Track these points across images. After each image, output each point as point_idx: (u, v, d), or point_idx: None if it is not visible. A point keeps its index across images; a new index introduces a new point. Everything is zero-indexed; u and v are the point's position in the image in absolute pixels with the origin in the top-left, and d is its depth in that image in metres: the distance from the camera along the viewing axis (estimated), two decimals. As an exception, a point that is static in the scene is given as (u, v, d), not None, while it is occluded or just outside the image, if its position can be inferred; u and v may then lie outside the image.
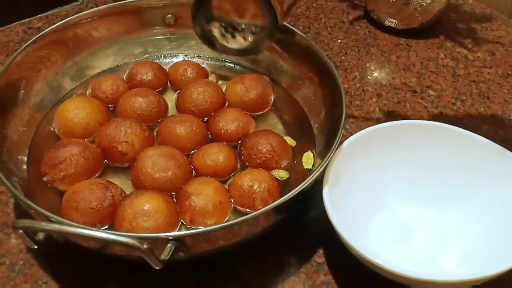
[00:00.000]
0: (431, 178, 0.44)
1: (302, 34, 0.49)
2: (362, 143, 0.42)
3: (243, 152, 0.45)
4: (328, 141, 0.43)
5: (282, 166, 0.45)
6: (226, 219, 0.41)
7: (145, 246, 0.30)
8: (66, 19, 0.49)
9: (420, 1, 0.60)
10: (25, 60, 0.46)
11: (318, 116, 0.48)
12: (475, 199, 0.42)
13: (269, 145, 0.44)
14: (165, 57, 0.55)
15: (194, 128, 0.45)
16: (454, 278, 0.34)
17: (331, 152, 0.39)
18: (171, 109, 0.50)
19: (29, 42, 0.46)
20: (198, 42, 0.55)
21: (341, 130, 0.40)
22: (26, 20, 0.63)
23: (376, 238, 0.41)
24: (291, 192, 0.36)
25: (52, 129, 0.46)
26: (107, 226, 0.39)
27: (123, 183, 0.43)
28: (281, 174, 0.44)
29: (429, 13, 0.62)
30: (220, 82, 0.53)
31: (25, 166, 0.43)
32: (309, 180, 0.37)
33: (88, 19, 0.50)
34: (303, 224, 0.44)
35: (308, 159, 0.45)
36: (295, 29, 0.49)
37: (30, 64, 0.47)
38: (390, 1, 0.61)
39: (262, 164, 0.44)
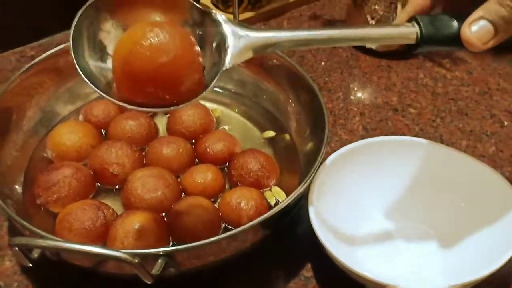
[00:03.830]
0: (413, 192, 0.45)
1: (287, 58, 0.51)
2: (345, 159, 0.44)
3: (233, 173, 0.46)
4: (312, 157, 0.44)
5: (272, 183, 0.46)
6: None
7: (136, 260, 0.31)
8: (58, 47, 0.50)
9: (399, 24, 0.63)
10: (18, 87, 0.48)
11: (303, 135, 0.50)
12: (454, 212, 0.44)
13: (258, 163, 0.46)
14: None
15: (181, 150, 0.47)
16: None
17: (315, 168, 0.41)
18: (162, 132, 0.52)
19: (22, 70, 0.48)
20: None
21: (324, 147, 0.42)
22: (19, 48, 0.65)
23: (362, 251, 0.43)
24: (275, 208, 0.38)
25: (45, 154, 0.48)
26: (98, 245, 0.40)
27: (114, 204, 0.44)
28: (281, 195, 0.46)
29: (407, 35, 0.64)
30: (208, 105, 0.54)
31: (19, 190, 0.44)
32: (293, 196, 0.39)
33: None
34: (291, 239, 0.45)
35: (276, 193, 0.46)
36: (279, 53, 0.52)
37: (24, 91, 0.48)
38: (370, 24, 0.64)
39: (254, 183, 0.45)
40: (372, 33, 0.33)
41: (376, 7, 0.63)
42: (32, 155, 0.48)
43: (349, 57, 0.67)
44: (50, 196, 0.42)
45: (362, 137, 0.55)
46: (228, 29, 0.30)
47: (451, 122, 0.58)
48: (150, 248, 0.38)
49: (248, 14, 0.70)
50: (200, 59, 0.30)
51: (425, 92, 0.62)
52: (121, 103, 0.30)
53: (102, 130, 0.50)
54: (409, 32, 0.33)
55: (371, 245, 0.44)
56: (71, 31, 0.29)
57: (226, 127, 0.53)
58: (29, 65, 0.48)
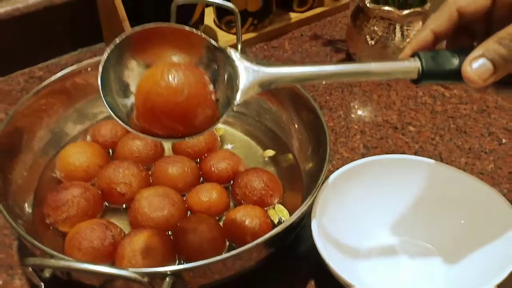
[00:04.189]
0: (414, 209, 0.46)
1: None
2: (347, 177, 0.45)
3: (237, 191, 0.47)
4: (315, 176, 0.45)
5: (275, 201, 0.47)
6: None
7: (145, 279, 0.32)
8: (66, 70, 0.52)
9: (398, 44, 0.65)
10: (28, 109, 0.49)
11: (305, 153, 0.51)
12: (454, 229, 0.45)
13: (262, 181, 0.47)
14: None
15: (186, 169, 0.48)
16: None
17: (318, 186, 0.42)
18: (168, 151, 0.53)
19: (32, 92, 0.49)
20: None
21: (325, 166, 0.43)
22: (27, 69, 0.66)
23: (365, 268, 0.43)
24: (279, 227, 0.38)
25: (54, 174, 0.49)
26: (108, 264, 0.41)
27: (122, 223, 0.45)
28: (284, 213, 0.47)
29: (406, 55, 0.66)
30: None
31: (29, 210, 0.46)
32: (296, 215, 0.40)
33: (88, 69, 0.54)
34: (295, 256, 0.46)
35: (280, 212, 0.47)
36: None
37: (33, 112, 0.50)
38: (370, 44, 0.66)
39: (258, 201, 0.46)
40: (376, 68, 0.34)
41: (375, 28, 0.64)
42: (41, 175, 0.49)
43: (349, 76, 0.68)
44: (59, 216, 0.44)
45: (363, 155, 0.57)
46: (240, 65, 0.32)
47: (450, 140, 0.59)
48: (157, 266, 0.39)
49: (250, 35, 0.72)
50: (213, 96, 0.33)
51: (424, 110, 0.63)
52: (141, 134, 0.32)
53: (110, 150, 0.52)
54: (412, 66, 0.34)
55: (374, 262, 0.44)
56: (100, 69, 0.32)
57: (230, 146, 0.54)
58: (38, 87, 0.50)
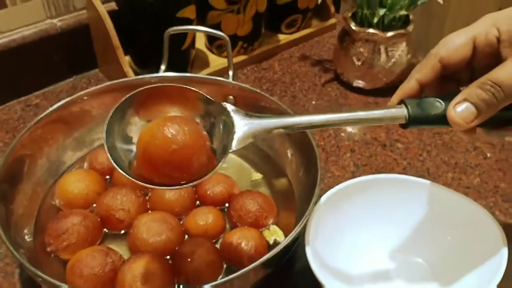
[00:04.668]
0: (405, 226, 0.48)
1: (277, 101, 0.55)
2: (339, 197, 0.47)
3: (232, 214, 0.49)
4: (307, 196, 0.47)
5: (270, 222, 0.49)
6: (220, 277, 0.44)
7: (148, 307, 0.33)
8: (64, 101, 0.53)
9: (383, 64, 0.67)
10: (29, 138, 0.50)
11: (298, 174, 0.53)
12: (444, 245, 0.46)
13: (256, 204, 0.49)
14: (155, 127, 0.60)
15: (182, 193, 0.49)
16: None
17: (310, 207, 0.44)
18: (163, 175, 0.54)
19: (32, 122, 0.50)
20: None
21: (317, 187, 0.45)
22: (24, 98, 0.68)
23: (360, 285, 0.45)
24: (275, 249, 0.40)
25: (54, 202, 0.50)
26: (108, 290, 0.43)
27: (121, 248, 0.47)
28: (279, 234, 0.48)
29: (392, 74, 0.68)
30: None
31: (30, 238, 0.47)
32: (291, 236, 0.41)
33: (84, 98, 0.55)
34: (290, 275, 0.47)
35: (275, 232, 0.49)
36: (265, 94, 0.55)
37: (33, 142, 0.51)
38: (356, 65, 0.68)
39: (253, 223, 0.48)
40: (364, 116, 0.36)
41: (361, 49, 0.67)
42: (41, 203, 0.50)
43: (338, 95, 0.71)
44: (60, 244, 0.45)
45: (353, 173, 0.59)
46: (236, 117, 0.35)
47: (437, 155, 0.61)
48: (157, 291, 0.41)
49: (241, 58, 0.74)
50: (208, 143, 0.35)
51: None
52: (142, 183, 0.35)
53: (107, 177, 0.53)
54: (398, 113, 0.36)
55: (368, 279, 0.46)
56: (105, 125, 0.35)
57: (224, 165, 0.56)
58: (38, 118, 0.51)
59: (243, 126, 0.35)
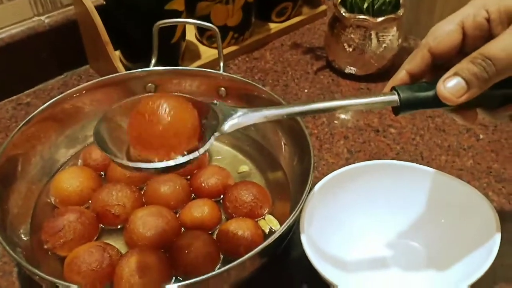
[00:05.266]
0: (399, 210, 0.48)
1: (269, 90, 0.55)
2: (333, 184, 0.47)
3: (228, 205, 0.49)
4: (301, 185, 0.47)
5: (265, 212, 0.49)
6: (217, 267, 0.44)
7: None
8: (56, 98, 0.53)
9: (375, 49, 0.67)
10: (21, 137, 0.50)
11: (291, 163, 0.53)
12: (438, 227, 0.47)
13: (251, 194, 0.49)
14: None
15: (177, 186, 0.49)
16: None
17: (304, 196, 0.44)
18: (158, 169, 0.54)
19: (25, 121, 0.50)
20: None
21: (310, 176, 0.45)
22: (14, 97, 0.67)
23: (355, 271, 0.45)
24: (270, 238, 0.40)
25: (49, 200, 0.50)
26: (108, 286, 0.43)
27: (118, 243, 0.47)
28: (274, 223, 0.48)
29: (383, 59, 0.68)
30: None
31: (26, 237, 0.47)
32: (286, 225, 0.42)
33: (76, 95, 0.55)
34: (286, 263, 0.48)
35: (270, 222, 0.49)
36: (256, 84, 0.55)
37: (26, 141, 0.51)
38: (348, 51, 0.68)
39: (248, 213, 0.48)
40: (357, 103, 0.37)
41: (352, 35, 0.67)
42: (36, 201, 0.50)
43: (330, 83, 0.71)
44: (57, 241, 0.45)
45: (347, 160, 0.59)
46: (224, 108, 0.37)
47: (430, 139, 0.61)
48: (154, 285, 0.41)
49: (232, 48, 0.73)
50: (198, 121, 0.37)
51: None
52: (133, 165, 0.36)
53: (102, 173, 0.53)
54: (390, 98, 0.36)
55: (364, 264, 0.46)
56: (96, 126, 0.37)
57: (219, 157, 0.56)
58: (29, 117, 0.51)
59: (231, 114, 0.36)
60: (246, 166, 0.55)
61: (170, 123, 0.34)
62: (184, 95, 0.38)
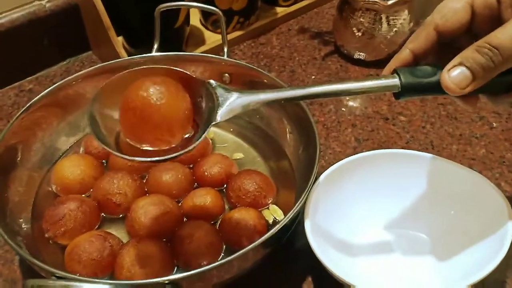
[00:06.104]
0: (406, 201, 0.47)
1: (273, 77, 0.53)
2: (338, 174, 0.46)
3: (231, 194, 0.48)
4: (307, 174, 0.46)
5: (269, 201, 0.48)
6: (220, 258, 0.44)
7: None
8: (56, 84, 0.52)
9: (385, 34, 0.65)
10: (21, 124, 0.49)
11: (297, 152, 0.52)
12: (447, 219, 0.45)
13: (255, 183, 0.48)
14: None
15: (179, 175, 0.48)
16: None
17: (309, 185, 0.43)
18: (161, 157, 0.53)
19: (23, 108, 0.49)
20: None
21: (316, 165, 0.44)
22: (17, 83, 0.67)
23: (359, 262, 0.44)
24: (273, 229, 0.39)
25: (50, 188, 0.50)
26: (109, 275, 0.42)
27: (119, 232, 0.46)
28: (278, 213, 0.47)
29: (394, 44, 0.66)
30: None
31: (27, 225, 0.46)
32: (290, 215, 0.40)
33: (78, 80, 0.54)
34: (291, 254, 0.47)
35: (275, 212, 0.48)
36: (260, 70, 0.53)
37: (26, 128, 0.50)
38: (357, 36, 0.66)
39: (252, 203, 0.47)
40: (354, 87, 0.35)
41: (362, 19, 0.64)
42: (37, 190, 0.50)
43: (338, 69, 0.69)
44: (58, 230, 0.44)
45: (355, 149, 0.57)
46: (219, 90, 0.35)
47: (441, 127, 0.60)
48: (156, 274, 0.40)
49: (237, 33, 0.72)
50: (190, 106, 0.35)
51: (415, 99, 0.63)
52: (129, 157, 0.34)
53: (103, 161, 0.52)
54: (390, 83, 0.35)
55: (370, 255, 0.45)
56: (88, 116, 0.35)
57: (225, 145, 0.55)
58: (29, 103, 0.50)
59: (227, 99, 0.35)
60: (240, 154, 0.54)
61: (163, 116, 0.33)
62: (175, 68, 0.36)
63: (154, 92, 0.33)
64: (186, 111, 0.34)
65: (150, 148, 0.34)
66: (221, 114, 0.34)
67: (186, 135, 0.36)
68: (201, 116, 0.35)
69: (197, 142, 0.34)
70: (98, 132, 0.34)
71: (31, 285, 0.33)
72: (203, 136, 0.34)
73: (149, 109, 0.33)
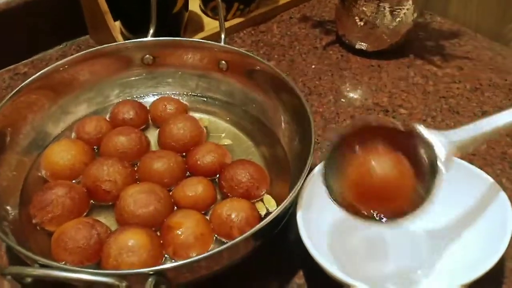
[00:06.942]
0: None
1: (271, 65, 0.52)
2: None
3: (223, 184, 0.47)
4: (302, 165, 0.45)
5: (262, 193, 0.47)
6: (210, 249, 0.43)
7: (124, 284, 0.32)
8: (50, 67, 0.51)
9: (388, 24, 0.63)
10: (11, 107, 0.48)
11: (293, 143, 0.50)
12: (444, 213, 0.44)
13: (248, 174, 0.46)
14: (146, 95, 0.58)
15: (171, 164, 0.47)
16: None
17: (303, 177, 0.41)
18: (154, 146, 0.52)
19: (15, 90, 0.49)
20: (175, 79, 0.58)
21: (310, 156, 0.43)
22: (12, 66, 0.66)
23: (352, 256, 0.43)
24: (264, 221, 0.38)
25: (40, 173, 0.49)
26: (96, 263, 0.41)
27: (109, 220, 0.45)
28: (271, 204, 0.46)
29: (397, 34, 0.64)
30: (199, 116, 0.55)
31: (15, 210, 0.45)
32: (281, 207, 0.39)
33: (73, 63, 0.53)
34: (283, 246, 0.46)
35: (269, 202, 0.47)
36: (258, 58, 0.52)
37: (17, 111, 0.49)
38: (359, 25, 0.64)
39: (244, 194, 0.46)
40: None
41: (364, 8, 0.63)
42: (27, 174, 0.49)
43: (339, 59, 0.67)
44: (45, 216, 0.43)
45: (353, 141, 0.56)
46: (433, 139, 0.37)
47: (442, 121, 0.58)
48: (143, 264, 0.40)
49: (237, 20, 0.70)
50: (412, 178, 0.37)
51: (416, 91, 0.62)
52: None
53: (95, 147, 0.51)
54: None
55: (361, 250, 0.44)
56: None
57: (222, 135, 0.54)
58: (20, 86, 0.49)
59: (443, 145, 0.36)
60: (228, 140, 0.52)
61: (396, 189, 0.36)
62: (390, 123, 0.38)
63: (382, 167, 0.36)
64: (410, 180, 0.37)
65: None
66: (444, 163, 0.35)
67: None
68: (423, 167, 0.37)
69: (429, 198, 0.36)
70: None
71: (8, 273, 0.32)
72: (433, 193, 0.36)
73: (383, 190, 0.36)
